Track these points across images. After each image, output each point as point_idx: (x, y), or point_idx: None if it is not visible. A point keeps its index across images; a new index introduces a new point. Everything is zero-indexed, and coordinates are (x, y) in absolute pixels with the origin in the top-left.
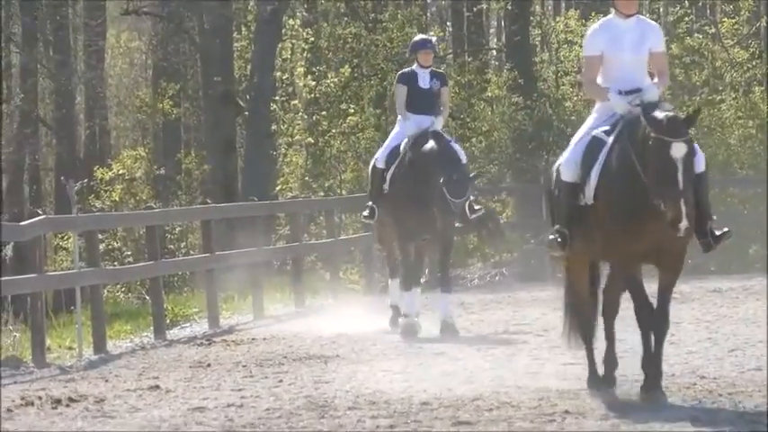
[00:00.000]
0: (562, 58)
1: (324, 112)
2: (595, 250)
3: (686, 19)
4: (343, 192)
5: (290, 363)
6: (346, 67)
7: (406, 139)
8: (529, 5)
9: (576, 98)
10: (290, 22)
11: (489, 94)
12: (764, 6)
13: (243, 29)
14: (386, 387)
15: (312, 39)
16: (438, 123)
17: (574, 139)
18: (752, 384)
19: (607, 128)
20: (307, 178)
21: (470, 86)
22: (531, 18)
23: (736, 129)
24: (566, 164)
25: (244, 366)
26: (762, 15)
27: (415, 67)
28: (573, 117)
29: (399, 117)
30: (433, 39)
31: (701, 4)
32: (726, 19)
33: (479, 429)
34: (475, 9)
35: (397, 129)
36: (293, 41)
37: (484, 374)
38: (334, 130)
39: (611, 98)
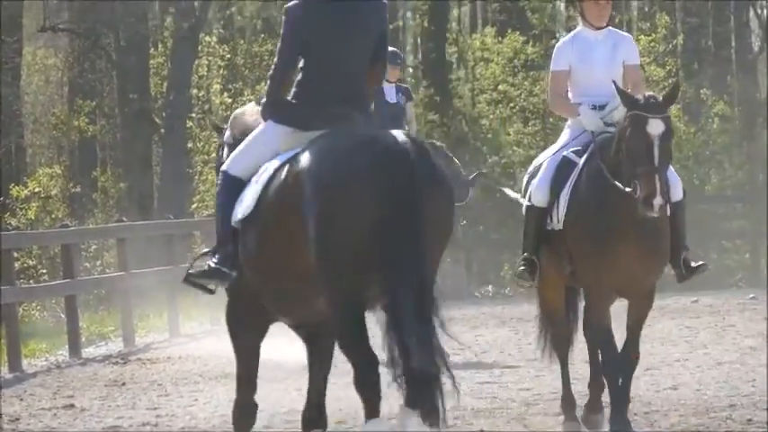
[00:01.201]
0: (478, 76)
1: None
2: (565, 278)
3: None
4: None
5: (205, 381)
6: (262, 84)
7: None
8: (445, 23)
9: (492, 116)
10: (207, 38)
11: None
12: (681, 24)
13: (159, 45)
14: (300, 406)
15: (228, 56)
16: None
17: (542, 158)
18: (667, 404)
19: (578, 148)
20: None
21: None
22: (448, 35)
23: None
24: (536, 187)
25: (159, 385)
26: (678, 33)
27: None
28: (489, 135)
29: None
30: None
31: (617, 20)
32: (642, 36)
33: None
34: (391, 26)
35: None
36: (209, 58)
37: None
38: None
39: (581, 114)
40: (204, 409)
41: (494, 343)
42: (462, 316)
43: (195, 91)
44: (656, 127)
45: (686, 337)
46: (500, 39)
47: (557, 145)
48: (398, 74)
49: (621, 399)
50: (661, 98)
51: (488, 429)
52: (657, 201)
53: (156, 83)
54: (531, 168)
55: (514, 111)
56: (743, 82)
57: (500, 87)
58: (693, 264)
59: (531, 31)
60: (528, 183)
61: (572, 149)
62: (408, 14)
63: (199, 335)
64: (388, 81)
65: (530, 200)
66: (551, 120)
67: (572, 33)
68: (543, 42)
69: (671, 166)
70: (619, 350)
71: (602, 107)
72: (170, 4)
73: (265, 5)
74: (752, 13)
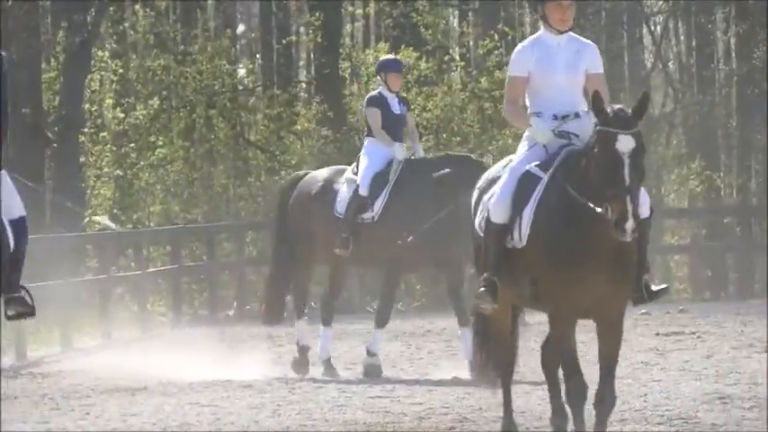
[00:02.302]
0: (372, 91)
1: (132, 145)
2: (524, 297)
3: (495, 52)
4: (152, 224)
5: (97, 395)
6: (155, 99)
7: (395, 165)
8: (338, 38)
9: None
10: (99, 53)
11: (299, 128)
12: None
13: (52, 60)
14: (193, 420)
15: (121, 71)
16: (419, 150)
17: (494, 171)
18: None
19: (541, 161)
20: (115, 210)
21: (280, 119)
22: (341, 51)
23: None
24: (496, 202)
25: (50, 399)
26: None
27: (382, 89)
28: None
29: (368, 142)
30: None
31: (509, 37)
32: None
33: None
34: (284, 41)
35: (367, 155)
36: (102, 73)
37: (291, 407)
38: (142, 163)
39: (532, 125)
40: (95, 423)
41: (386, 357)
42: (354, 330)
43: (88, 105)
44: (625, 144)
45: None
46: (394, 54)
47: (515, 157)
48: (401, 82)
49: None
50: (630, 111)
51: None
52: (629, 225)
53: (49, 97)
54: (481, 183)
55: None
56: (636, 98)
57: None
58: (654, 287)
59: (424, 46)
60: (479, 198)
61: (535, 163)
62: (302, 30)
63: (91, 349)
64: (390, 90)
65: (488, 217)
66: (444, 135)
67: (533, 37)
68: (436, 58)
69: None
70: (583, 376)
71: (563, 117)
72: (62, 18)
73: (158, 21)
74: (645, 29)
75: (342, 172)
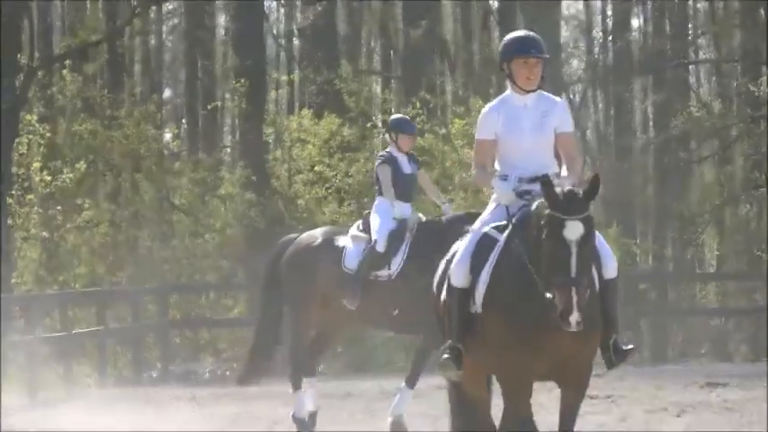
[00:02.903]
0: (295, 156)
1: (59, 207)
2: (487, 365)
3: (417, 119)
4: (78, 285)
5: None
6: (82, 162)
7: (410, 224)
8: (263, 104)
9: (307, 196)
10: (27, 117)
11: (223, 192)
12: None
13: None
14: None
15: (49, 134)
16: (447, 209)
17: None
18: None
19: (500, 223)
20: (41, 272)
21: (204, 183)
22: (265, 116)
23: None
24: (456, 265)
25: None
26: None
27: (392, 148)
28: (305, 215)
29: (379, 201)
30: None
31: (431, 105)
32: (456, 120)
33: None
34: (209, 106)
35: (378, 214)
36: (30, 137)
37: None
38: (69, 225)
39: (494, 186)
40: None
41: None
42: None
43: (15, 168)
44: (573, 231)
45: None
46: (317, 120)
47: (479, 220)
48: (412, 143)
49: None
50: (581, 193)
51: None
52: (574, 317)
53: None
54: (452, 250)
55: (330, 191)
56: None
57: (316, 168)
58: (624, 347)
59: (347, 113)
60: (447, 262)
61: (492, 225)
62: (227, 95)
63: (17, 408)
64: (400, 150)
65: (450, 281)
66: (366, 199)
67: (499, 98)
68: (359, 125)
69: (604, 243)
70: None
71: (532, 180)
72: None
73: (85, 85)
74: (564, 97)
75: (336, 231)
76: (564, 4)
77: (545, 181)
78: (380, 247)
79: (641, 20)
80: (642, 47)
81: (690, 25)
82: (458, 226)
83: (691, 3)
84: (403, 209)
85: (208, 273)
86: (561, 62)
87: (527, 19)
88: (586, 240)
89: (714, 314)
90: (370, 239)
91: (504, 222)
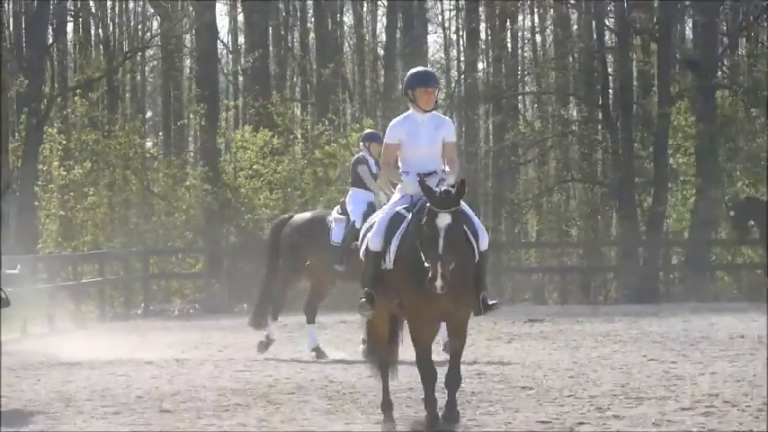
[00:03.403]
0: (239, 159)
1: (71, 193)
2: (394, 308)
3: (325, 133)
4: (85, 249)
5: (45, 368)
6: (87, 162)
7: (378, 206)
8: (216, 122)
9: (247, 186)
10: (50, 130)
11: (188, 183)
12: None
13: (16, 134)
14: (111, 385)
15: (64, 142)
16: None
17: (375, 216)
18: None
19: (407, 205)
20: (59, 239)
21: (175, 177)
22: (218, 130)
23: None
24: (373, 235)
25: (12, 370)
26: None
27: (364, 153)
28: (245, 200)
29: (352, 191)
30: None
31: (336, 123)
32: (353, 132)
33: (181, 416)
34: (179, 123)
35: (353, 201)
36: (51, 144)
37: (180, 378)
38: (78, 206)
39: (404, 180)
40: (45, 387)
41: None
42: (227, 324)
43: (40, 166)
44: (443, 220)
45: None
46: (254, 133)
47: (390, 203)
48: (380, 149)
49: (452, 413)
50: (453, 192)
51: (242, 403)
52: (438, 283)
53: (13, 160)
54: (367, 224)
55: (263, 183)
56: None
57: (254, 167)
58: (490, 302)
59: (276, 128)
60: (365, 234)
61: (402, 206)
62: (191, 116)
63: (40, 335)
64: (371, 154)
65: (368, 246)
66: (289, 189)
67: (404, 115)
68: (284, 136)
69: (480, 225)
70: (435, 367)
71: (426, 174)
72: (24, 105)
73: (91, 107)
74: None
75: (323, 214)
76: (430, 51)
77: (423, 184)
78: (358, 225)
79: (485, 63)
80: (485, 82)
81: (519, 68)
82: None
83: (519, 51)
84: (372, 195)
85: (177, 240)
86: None
87: (404, 63)
88: (453, 228)
89: (534, 271)
90: (349, 219)
91: (409, 205)
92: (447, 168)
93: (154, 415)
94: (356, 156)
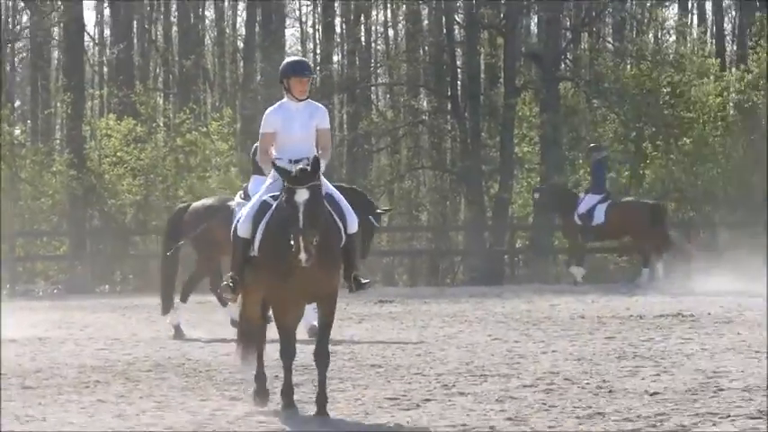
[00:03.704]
0: (103, 146)
1: None
2: (260, 291)
3: (186, 123)
4: None
5: None
6: None
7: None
8: (82, 110)
9: (112, 173)
10: None
11: (54, 169)
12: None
13: None
14: None
15: None
16: None
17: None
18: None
19: (276, 193)
20: None
21: (42, 163)
22: (84, 119)
23: None
24: (242, 221)
25: None
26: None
27: None
28: (110, 186)
29: (253, 178)
30: None
31: (197, 112)
32: (213, 122)
33: (43, 392)
34: (46, 112)
35: (255, 187)
36: None
37: (43, 356)
38: None
39: (275, 167)
40: None
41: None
42: (89, 304)
43: None
44: (301, 196)
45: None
46: (119, 122)
47: (261, 190)
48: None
49: (321, 395)
50: (309, 169)
51: (102, 380)
52: (303, 257)
53: None
54: (241, 210)
55: (127, 169)
56: None
57: (118, 154)
58: (362, 280)
59: (139, 117)
60: (237, 220)
61: (270, 194)
62: (58, 104)
63: None
64: None
65: (236, 231)
66: (152, 175)
67: (279, 103)
68: (147, 124)
69: (349, 208)
70: (295, 346)
71: (297, 161)
72: None
73: None
74: None
75: (224, 199)
76: (287, 44)
77: (276, 164)
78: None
79: (340, 56)
80: (340, 74)
81: (372, 60)
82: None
83: (373, 45)
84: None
85: (43, 224)
86: None
87: (262, 55)
88: (312, 202)
89: (385, 255)
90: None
91: (279, 192)
92: (320, 154)
93: (16, 391)
94: (255, 144)
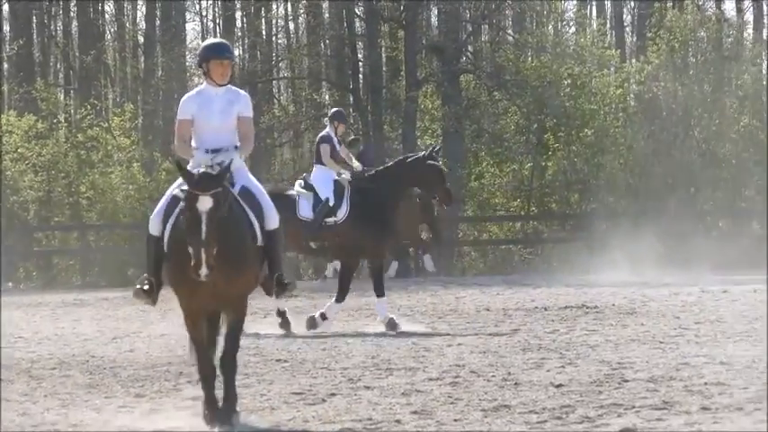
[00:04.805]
0: (5, 142)
1: None
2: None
3: (88, 117)
4: None
5: None
6: None
7: (345, 183)
8: None
9: (13, 169)
10: None
11: None
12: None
13: None
14: None
15: None
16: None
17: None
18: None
19: (186, 187)
20: None
21: None
22: None
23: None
24: (153, 218)
25: None
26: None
27: (330, 131)
28: (11, 182)
29: (316, 168)
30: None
31: (98, 107)
32: (115, 117)
33: None
34: None
35: (318, 177)
36: None
37: None
38: None
39: (194, 157)
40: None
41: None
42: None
43: None
44: (204, 204)
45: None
46: (20, 118)
47: (175, 183)
48: (343, 128)
49: (230, 395)
50: (214, 175)
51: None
52: (203, 271)
53: None
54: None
55: (28, 165)
56: None
57: (19, 150)
58: (285, 281)
59: (40, 113)
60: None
61: (181, 188)
62: None
63: None
64: (336, 133)
65: (149, 229)
66: (53, 171)
67: (197, 89)
68: (48, 121)
69: (269, 201)
70: (213, 365)
71: (215, 151)
72: None
73: None
74: None
75: (282, 188)
76: (188, 38)
77: (179, 165)
78: (331, 202)
79: (241, 50)
80: (242, 68)
81: (273, 54)
82: (380, 182)
83: (274, 38)
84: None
85: None
86: None
87: (163, 50)
88: (215, 211)
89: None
90: (315, 195)
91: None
92: (239, 144)
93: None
94: (321, 133)
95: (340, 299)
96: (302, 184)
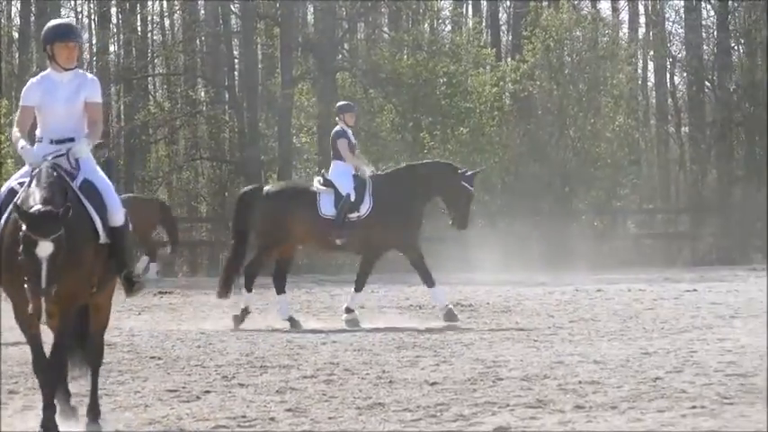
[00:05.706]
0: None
1: None
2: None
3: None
4: None
5: None
6: None
7: (367, 178)
8: None
9: None
10: None
11: None
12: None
13: None
14: None
15: None
16: (365, 170)
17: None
18: None
19: (24, 180)
20: None
21: None
22: None
23: None
24: None
25: None
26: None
27: (342, 125)
28: None
29: (335, 164)
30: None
31: None
32: None
33: None
34: None
35: (338, 173)
36: None
37: None
38: None
39: (20, 150)
40: None
41: None
42: None
43: None
44: (44, 250)
45: None
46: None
47: (15, 175)
48: (355, 118)
49: (94, 392)
50: (59, 213)
51: None
52: (42, 319)
53: None
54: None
55: None
56: None
57: None
58: (135, 279)
59: None
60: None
61: (18, 181)
62: None
63: None
64: (347, 125)
65: None
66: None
67: (42, 74)
68: None
69: (115, 196)
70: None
71: (58, 141)
72: None
73: None
74: None
75: (302, 184)
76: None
77: (19, 208)
78: (353, 198)
79: (116, 46)
80: (117, 64)
81: (149, 50)
82: (398, 176)
83: (149, 34)
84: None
85: None
86: None
87: (37, 46)
88: (57, 256)
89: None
90: (337, 191)
91: (27, 179)
92: (87, 131)
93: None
94: (335, 129)
95: (359, 288)
96: (321, 180)
